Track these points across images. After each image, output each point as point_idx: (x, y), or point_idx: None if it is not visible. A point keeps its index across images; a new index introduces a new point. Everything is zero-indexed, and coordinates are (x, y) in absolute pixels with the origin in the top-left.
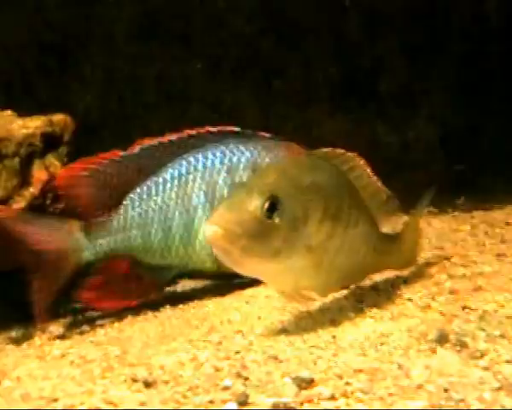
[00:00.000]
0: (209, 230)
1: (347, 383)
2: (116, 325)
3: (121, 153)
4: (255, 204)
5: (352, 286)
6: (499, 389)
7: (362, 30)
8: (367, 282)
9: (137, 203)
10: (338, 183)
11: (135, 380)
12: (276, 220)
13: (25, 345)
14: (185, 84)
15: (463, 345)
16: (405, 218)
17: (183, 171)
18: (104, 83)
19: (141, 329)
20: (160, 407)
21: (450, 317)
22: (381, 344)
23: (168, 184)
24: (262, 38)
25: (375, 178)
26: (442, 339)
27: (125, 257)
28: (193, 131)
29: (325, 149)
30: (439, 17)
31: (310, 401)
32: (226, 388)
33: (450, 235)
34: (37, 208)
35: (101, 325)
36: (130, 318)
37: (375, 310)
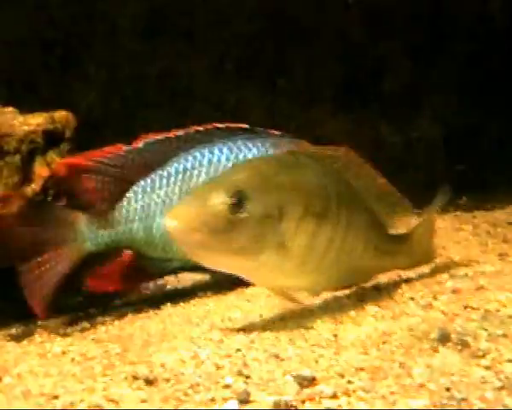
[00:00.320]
0: (168, 223)
1: (349, 382)
2: (117, 322)
3: (125, 147)
4: (218, 199)
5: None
6: (501, 388)
7: (365, 30)
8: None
9: (140, 196)
10: (324, 182)
11: (136, 378)
12: (242, 216)
13: (25, 342)
14: (189, 83)
15: (465, 344)
16: (416, 218)
17: (188, 165)
18: (107, 81)
19: (142, 326)
20: (160, 405)
21: (451, 316)
22: (383, 343)
23: (172, 178)
24: (266, 37)
25: (383, 179)
26: (444, 338)
27: (128, 249)
28: (200, 127)
29: (330, 151)
30: (443, 17)
31: (311, 400)
32: (227, 386)
33: (453, 234)
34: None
35: (102, 323)
36: (130, 315)
37: (376, 309)
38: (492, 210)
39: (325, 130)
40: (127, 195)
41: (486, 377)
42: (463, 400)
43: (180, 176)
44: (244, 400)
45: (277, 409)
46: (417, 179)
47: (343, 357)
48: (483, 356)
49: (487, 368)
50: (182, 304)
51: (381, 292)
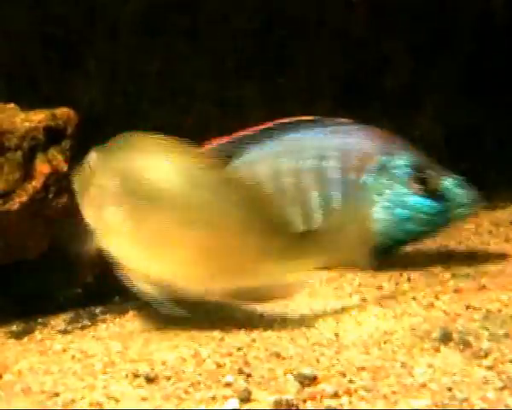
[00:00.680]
0: None
1: (350, 381)
2: (118, 319)
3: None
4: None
5: (355, 284)
6: (503, 388)
7: (367, 28)
8: (370, 280)
9: None
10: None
11: (136, 375)
12: None
13: (26, 339)
14: (190, 80)
15: (467, 344)
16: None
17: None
18: (108, 77)
19: (143, 324)
20: (161, 403)
21: (453, 316)
22: (385, 342)
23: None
24: (267, 35)
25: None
26: (445, 338)
27: None
28: (267, 124)
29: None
30: (445, 15)
31: (312, 399)
32: (228, 384)
33: (455, 234)
34: (40, 202)
35: (103, 320)
36: (131, 313)
37: (378, 308)
38: (494, 209)
39: None
40: None
41: (488, 378)
42: (465, 400)
43: None
44: (245, 398)
45: (278, 409)
46: None
47: (344, 356)
48: (485, 356)
49: (489, 368)
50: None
51: (383, 292)
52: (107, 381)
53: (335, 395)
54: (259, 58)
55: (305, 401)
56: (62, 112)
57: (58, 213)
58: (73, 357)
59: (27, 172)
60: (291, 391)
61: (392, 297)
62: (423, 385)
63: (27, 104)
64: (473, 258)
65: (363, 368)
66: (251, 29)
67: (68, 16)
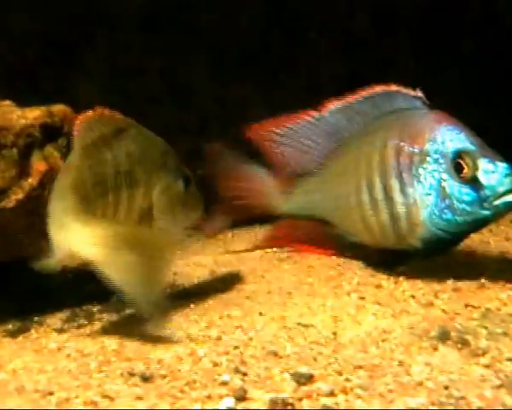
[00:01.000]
0: None
1: (347, 380)
2: (114, 318)
3: (314, 113)
4: None
5: (354, 282)
6: (500, 386)
7: (370, 27)
8: (369, 279)
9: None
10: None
11: (132, 374)
12: None
13: (21, 338)
14: (190, 78)
15: (465, 343)
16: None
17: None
18: (108, 75)
19: (139, 323)
20: (156, 402)
21: (452, 315)
22: (383, 341)
23: None
24: (268, 32)
25: None
26: (444, 336)
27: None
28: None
29: None
30: (449, 15)
31: (309, 397)
32: (224, 383)
33: None
34: (36, 199)
35: (100, 319)
36: (128, 311)
37: (376, 307)
38: None
39: None
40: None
41: (486, 376)
42: (462, 398)
43: None
44: (240, 397)
45: (274, 408)
46: None
47: (342, 355)
48: (483, 355)
49: (487, 367)
50: (180, 301)
51: (381, 290)
52: (101, 380)
53: (331, 394)
54: (261, 56)
55: (300, 400)
56: (59, 109)
57: None
58: (69, 356)
59: (23, 170)
60: (287, 390)
61: (391, 296)
62: (420, 383)
63: (28, 102)
64: (472, 256)
65: (360, 367)
66: (252, 26)
67: (69, 14)
